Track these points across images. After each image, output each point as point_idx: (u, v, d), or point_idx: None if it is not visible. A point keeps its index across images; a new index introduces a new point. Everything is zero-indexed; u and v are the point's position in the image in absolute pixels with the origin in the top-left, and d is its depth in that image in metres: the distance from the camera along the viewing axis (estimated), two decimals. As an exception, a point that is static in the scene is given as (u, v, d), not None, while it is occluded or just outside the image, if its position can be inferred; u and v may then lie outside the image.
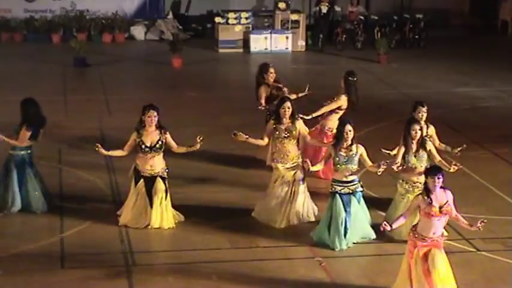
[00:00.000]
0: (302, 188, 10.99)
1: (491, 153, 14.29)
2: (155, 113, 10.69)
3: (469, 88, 19.48)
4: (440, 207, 8.63)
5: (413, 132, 10.26)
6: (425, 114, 10.97)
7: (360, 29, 25.16)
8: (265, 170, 12.82)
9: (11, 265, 9.52)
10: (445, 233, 9.46)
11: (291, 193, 10.91)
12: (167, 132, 10.78)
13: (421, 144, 10.34)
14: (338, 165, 10.25)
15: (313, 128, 12.50)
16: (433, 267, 8.69)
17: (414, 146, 10.31)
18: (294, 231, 10.81)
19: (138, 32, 26.48)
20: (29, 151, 11.22)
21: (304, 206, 11.05)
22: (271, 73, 13.13)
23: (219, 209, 11.49)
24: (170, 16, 26.75)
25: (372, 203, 11.30)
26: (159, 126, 10.77)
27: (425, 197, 8.65)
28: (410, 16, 25.98)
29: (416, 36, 25.52)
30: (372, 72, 21.27)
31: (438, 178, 8.58)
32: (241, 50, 24.63)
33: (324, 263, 9.80)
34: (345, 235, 10.21)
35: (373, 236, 10.49)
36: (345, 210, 10.21)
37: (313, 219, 11.04)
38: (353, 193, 10.31)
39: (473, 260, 10.01)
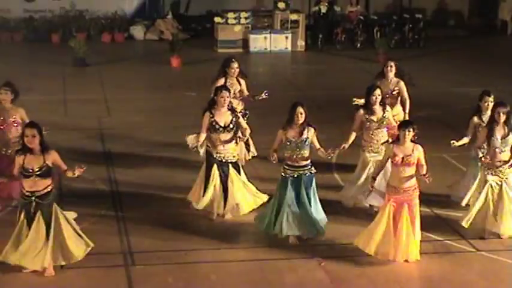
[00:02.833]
0: None
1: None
2: (227, 94, 10.84)
3: (469, 88, 19.43)
4: (403, 158, 9.43)
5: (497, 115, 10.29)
6: (491, 104, 10.84)
7: (359, 29, 25.17)
8: (265, 170, 12.83)
9: (11, 265, 9.49)
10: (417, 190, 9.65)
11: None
12: (237, 112, 11.05)
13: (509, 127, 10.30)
14: (289, 151, 10.13)
15: None
16: (401, 225, 9.47)
17: (501, 129, 10.30)
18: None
19: (138, 31, 26.47)
20: None
21: None
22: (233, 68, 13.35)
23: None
24: (170, 16, 26.74)
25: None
26: (231, 108, 10.93)
27: (391, 146, 9.59)
28: (410, 16, 25.98)
29: (416, 36, 25.51)
30: (371, 72, 21.16)
31: (408, 131, 9.44)
32: (240, 50, 24.63)
33: (324, 263, 9.79)
34: (291, 221, 10.09)
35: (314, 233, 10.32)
36: (295, 195, 10.10)
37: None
38: (303, 176, 10.12)
39: (473, 260, 10.00)
